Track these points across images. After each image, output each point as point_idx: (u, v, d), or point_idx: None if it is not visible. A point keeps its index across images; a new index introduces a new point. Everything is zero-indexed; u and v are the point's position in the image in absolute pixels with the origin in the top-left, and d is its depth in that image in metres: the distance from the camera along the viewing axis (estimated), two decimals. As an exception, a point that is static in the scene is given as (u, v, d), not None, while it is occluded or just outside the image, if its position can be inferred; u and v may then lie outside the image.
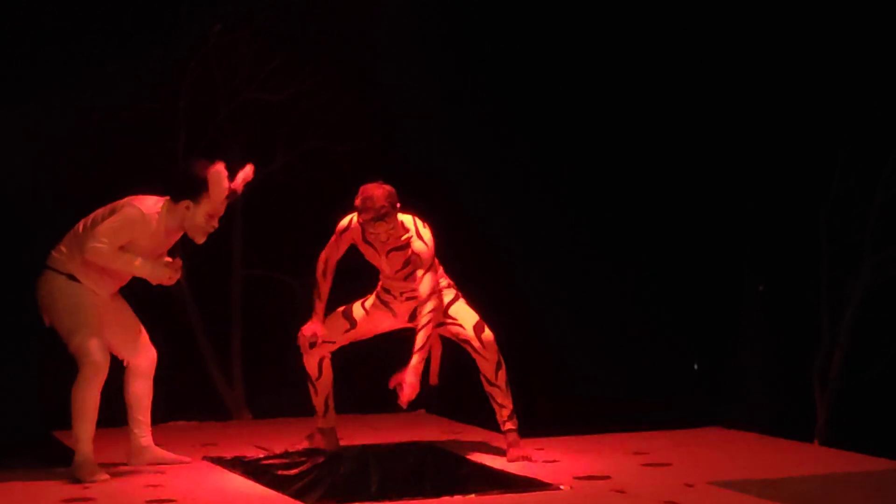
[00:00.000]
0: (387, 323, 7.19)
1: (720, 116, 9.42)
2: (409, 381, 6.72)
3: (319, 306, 7.01)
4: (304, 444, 7.19)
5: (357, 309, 7.15)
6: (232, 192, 6.74)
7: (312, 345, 7.01)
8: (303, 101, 8.84)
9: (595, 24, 9.37)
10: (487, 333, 7.00)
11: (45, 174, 8.44)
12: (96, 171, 8.30)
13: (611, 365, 9.22)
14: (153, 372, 6.92)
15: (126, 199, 6.72)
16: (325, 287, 7.00)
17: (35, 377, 8.02)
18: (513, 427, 7.03)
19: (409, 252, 6.90)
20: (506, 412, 7.03)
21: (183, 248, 7.15)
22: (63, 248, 6.71)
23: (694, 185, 9.52)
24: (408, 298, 7.07)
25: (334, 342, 7.09)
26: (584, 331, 9.30)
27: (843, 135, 8.78)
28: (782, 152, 9.13)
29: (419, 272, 6.85)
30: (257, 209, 8.88)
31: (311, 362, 7.09)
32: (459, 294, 7.12)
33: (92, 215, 6.73)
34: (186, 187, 6.69)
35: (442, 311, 6.97)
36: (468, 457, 7.03)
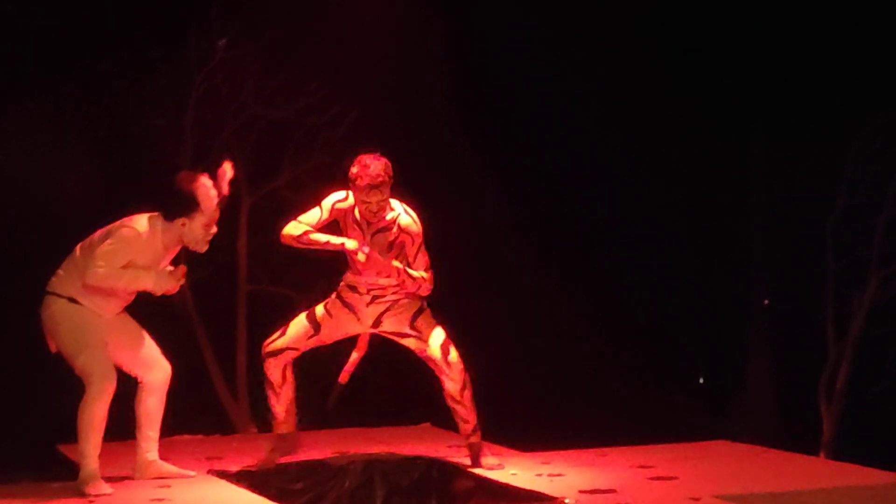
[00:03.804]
0: (351, 327, 7.05)
1: (727, 130, 9.44)
2: (373, 255, 6.71)
3: (327, 235, 6.83)
4: (267, 454, 7.15)
5: (321, 313, 7.02)
6: (222, 198, 6.74)
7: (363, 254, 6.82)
8: (308, 117, 8.86)
9: (602, 28, 9.38)
10: (454, 354, 6.93)
11: (52, 190, 8.48)
12: (103, 186, 8.33)
13: (617, 378, 9.21)
14: (167, 387, 6.92)
15: (120, 221, 6.72)
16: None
17: (40, 391, 8.03)
18: (476, 440, 7.06)
19: (394, 234, 6.82)
20: (469, 426, 7.04)
21: (188, 263, 7.15)
22: (61, 272, 6.74)
23: (700, 198, 9.53)
24: (374, 297, 6.96)
25: (297, 349, 6.99)
26: (590, 344, 9.29)
27: (851, 149, 8.78)
28: (789, 166, 9.14)
29: (411, 251, 6.80)
30: (262, 225, 8.89)
31: (274, 370, 7.01)
32: (426, 305, 7.05)
33: (88, 238, 6.74)
34: (178, 205, 6.69)
35: (429, 289, 6.88)
36: (473, 470, 7.02)
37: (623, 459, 7.35)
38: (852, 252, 8.84)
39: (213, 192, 6.69)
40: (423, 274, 6.86)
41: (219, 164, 6.90)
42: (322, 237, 6.81)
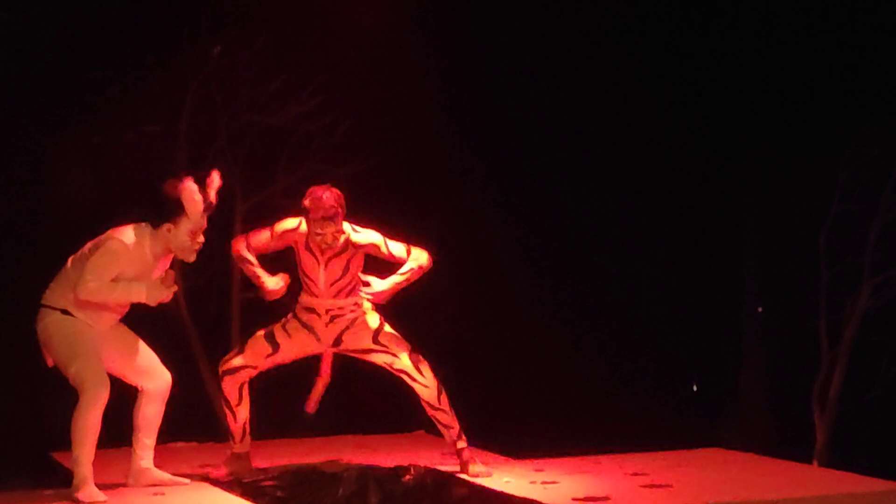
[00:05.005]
0: (310, 347, 7.12)
1: (719, 137, 9.45)
2: (378, 287, 6.82)
3: (261, 270, 7.01)
4: (223, 471, 7.14)
5: (279, 332, 7.08)
6: (208, 205, 6.74)
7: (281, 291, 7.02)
8: (303, 124, 8.86)
9: (593, 30, 9.37)
10: (424, 362, 7.03)
11: (46, 198, 8.47)
12: (97, 193, 8.33)
13: (610, 385, 9.21)
14: (167, 395, 6.95)
15: (108, 233, 6.74)
16: (254, 257, 7.02)
17: (34, 398, 8.03)
18: (464, 444, 7.11)
19: (349, 254, 6.90)
20: (454, 432, 7.10)
21: (182, 270, 7.15)
22: (54, 285, 6.79)
23: (692, 205, 9.53)
24: (333, 318, 7.02)
25: (255, 367, 7.05)
26: (583, 351, 9.30)
27: (844, 156, 8.78)
28: (781, 173, 9.14)
29: (384, 251, 6.90)
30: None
31: (231, 388, 7.05)
32: (383, 319, 7.10)
33: (79, 251, 6.77)
34: (163, 210, 6.71)
35: (428, 259, 6.96)
36: (467, 478, 7.03)
37: (616, 467, 7.37)
38: (845, 259, 8.83)
39: (199, 197, 6.71)
40: (406, 255, 6.93)
41: (213, 171, 6.91)
42: (255, 271, 7.00)
